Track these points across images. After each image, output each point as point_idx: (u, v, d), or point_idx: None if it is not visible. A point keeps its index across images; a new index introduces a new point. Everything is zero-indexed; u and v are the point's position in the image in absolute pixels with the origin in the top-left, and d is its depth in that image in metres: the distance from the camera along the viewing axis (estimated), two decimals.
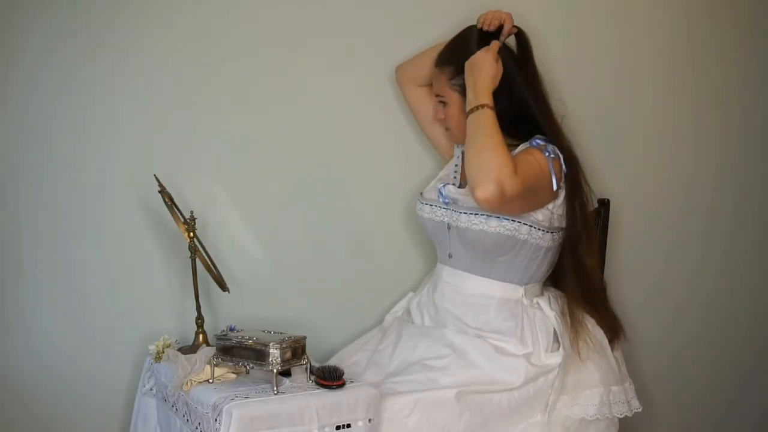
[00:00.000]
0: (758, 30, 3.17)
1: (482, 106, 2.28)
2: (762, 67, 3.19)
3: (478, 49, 2.37)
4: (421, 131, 2.69)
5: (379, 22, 2.67)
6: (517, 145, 2.41)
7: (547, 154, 2.33)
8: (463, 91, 2.39)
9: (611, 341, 2.49)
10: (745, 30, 3.15)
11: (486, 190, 2.19)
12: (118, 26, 2.41)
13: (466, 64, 2.34)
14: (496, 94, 2.34)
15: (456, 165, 2.54)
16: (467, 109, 2.31)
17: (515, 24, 2.44)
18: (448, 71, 2.43)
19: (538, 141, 2.36)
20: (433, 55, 2.51)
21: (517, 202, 2.26)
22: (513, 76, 2.39)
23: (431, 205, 2.49)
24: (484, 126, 2.27)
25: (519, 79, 2.40)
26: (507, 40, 2.44)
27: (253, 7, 2.54)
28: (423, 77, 2.58)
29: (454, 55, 2.43)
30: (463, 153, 2.58)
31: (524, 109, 2.40)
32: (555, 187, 2.33)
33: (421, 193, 2.56)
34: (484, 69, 2.31)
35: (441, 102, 2.47)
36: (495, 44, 2.36)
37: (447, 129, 2.52)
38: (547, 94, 2.44)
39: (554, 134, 2.39)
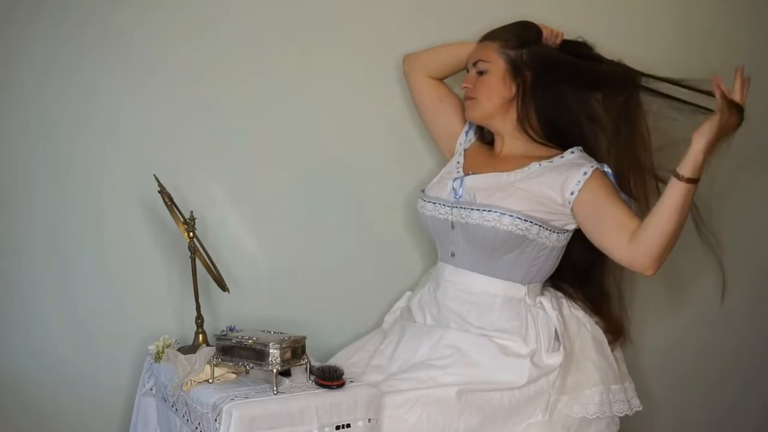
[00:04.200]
0: (758, 29, 3.17)
1: (698, 180, 2.22)
2: (760, 67, 3.18)
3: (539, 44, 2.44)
4: (423, 128, 2.69)
5: (380, 20, 2.67)
6: (554, 151, 2.44)
7: (611, 178, 2.37)
8: (510, 60, 2.42)
9: (612, 342, 2.49)
10: (745, 31, 3.15)
11: (655, 267, 2.27)
12: (116, 26, 2.41)
13: (719, 126, 2.17)
14: (539, 107, 2.41)
15: (458, 162, 2.54)
16: (686, 172, 2.19)
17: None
18: (500, 42, 2.43)
19: (605, 168, 2.37)
20: (455, 49, 2.54)
21: None
22: (560, 89, 2.43)
23: (434, 203, 2.48)
24: (689, 201, 2.23)
25: (567, 90, 2.45)
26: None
27: (254, 5, 2.54)
28: (435, 69, 2.58)
29: (514, 33, 2.44)
30: (465, 150, 2.58)
31: (563, 122, 2.44)
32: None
33: (423, 191, 2.55)
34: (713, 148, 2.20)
35: (478, 72, 2.46)
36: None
37: (469, 99, 2.48)
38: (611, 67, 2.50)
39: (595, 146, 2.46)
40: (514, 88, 2.43)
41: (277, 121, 2.59)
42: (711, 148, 2.18)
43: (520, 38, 2.44)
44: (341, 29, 2.63)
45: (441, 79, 2.61)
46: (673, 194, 2.20)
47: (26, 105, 2.36)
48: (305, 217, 2.65)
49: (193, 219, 2.36)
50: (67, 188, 2.41)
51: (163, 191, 2.34)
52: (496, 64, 2.43)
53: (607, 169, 2.37)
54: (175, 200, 2.35)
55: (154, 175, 2.35)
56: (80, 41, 2.39)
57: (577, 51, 2.51)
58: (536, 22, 2.49)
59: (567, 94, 2.44)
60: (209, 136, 2.53)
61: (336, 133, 2.66)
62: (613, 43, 2.94)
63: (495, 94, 2.44)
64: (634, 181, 2.38)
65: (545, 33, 2.47)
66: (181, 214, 2.36)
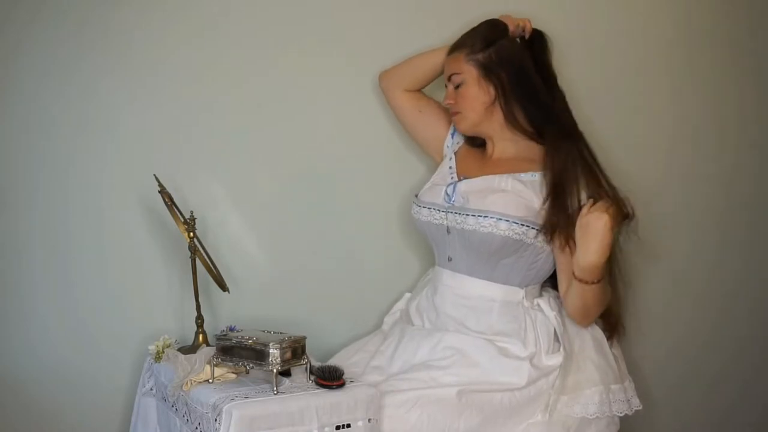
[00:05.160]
0: (758, 29, 3.17)
1: (599, 281, 2.28)
2: (760, 65, 3.19)
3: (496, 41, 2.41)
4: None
5: (380, 20, 2.67)
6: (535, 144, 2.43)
7: None
8: (479, 64, 2.40)
9: (609, 338, 2.49)
10: (745, 30, 3.15)
11: (584, 325, 2.42)
12: (116, 26, 2.41)
13: (581, 223, 2.23)
14: (522, 101, 2.40)
15: (450, 167, 2.53)
16: (578, 273, 2.27)
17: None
18: (465, 50, 2.42)
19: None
20: (428, 59, 2.53)
21: None
22: (534, 79, 2.41)
23: (429, 209, 2.47)
24: (600, 297, 2.33)
25: (539, 81, 2.42)
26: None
27: (254, 5, 2.54)
28: (412, 82, 2.58)
29: (479, 36, 2.43)
30: (455, 153, 2.57)
31: (546, 111, 2.42)
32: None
33: (417, 196, 2.54)
34: (604, 241, 2.21)
35: (455, 86, 2.45)
36: (608, 213, 2.22)
37: (456, 114, 2.48)
38: (564, 95, 2.47)
39: (572, 133, 2.43)
40: (492, 90, 2.42)
41: (277, 121, 2.59)
42: (599, 252, 2.22)
43: (486, 39, 2.42)
44: (341, 29, 2.63)
45: (419, 90, 2.61)
46: (574, 288, 2.32)
47: (26, 105, 2.36)
48: (305, 217, 2.65)
49: (193, 219, 2.36)
50: (67, 188, 2.41)
51: (163, 191, 2.34)
52: (469, 73, 2.42)
53: None
54: (175, 200, 2.35)
55: (154, 175, 2.35)
56: (80, 41, 2.39)
57: (541, 46, 2.49)
58: (501, 15, 2.47)
59: (538, 97, 2.42)
60: (209, 136, 2.53)
61: (336, 133, 2.66)
62: (613, 43, 2.96)
63: (476, 102, 2.43)
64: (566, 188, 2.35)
65: (511, 28, 2.45)
66: (181, 214, 2.36)
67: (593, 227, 2.21)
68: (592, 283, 2.27)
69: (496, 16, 2.50)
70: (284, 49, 2.58)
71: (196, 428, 2.13)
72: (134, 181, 2.44)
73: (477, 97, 2.43)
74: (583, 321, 2.40)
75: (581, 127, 2.50)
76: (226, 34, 2.52)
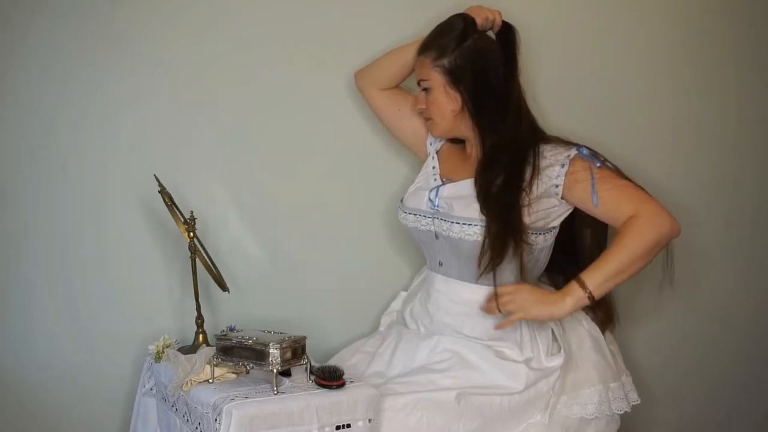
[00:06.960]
0: (758, 29, 3.17)
1: (587, 292, 2.26)
2: (761, 65, 3.19)
3: (463, 36, 2.36)
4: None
5: (380, 20, 2.66)
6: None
7: (590, 159, 2.34)
8: (445, 71, 2.37)
9: (604, 331, 2.48)
10: (747, 27, 3.15)
11: (676, 225, 2.31)
12: (116, 26, 2.41)
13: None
14: (482, 93, 2.35)
15: (433, 167, 2.52)
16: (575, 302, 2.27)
17: (506, 20, 2.44)
18: (432, 55, 2.38)
19: (583, 151, 2.35)
20: (400, 55, 2.50)
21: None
22: (498, 72, 2.37)
23: (415, 215, 2.45)
24: (632, 263, 2.27)
25: (501, 74, 2.38)
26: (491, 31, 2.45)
27: (254, 5, 2.54)
28: (386, 80, 2.55)
29: (447, 37, 2.38)
30: (438, 152, 2.56)
31: (505, 104, 2.38)
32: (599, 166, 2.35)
33: (402, 200, 2.52)
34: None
35: (424, 89, 2.42)
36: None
37: (428, 120, 2.47)
38: (524, 91, 2.42)
39: (531, 129, 2.40)
40: (458, 97, 2.38)
41: (277, 121, 2.59)
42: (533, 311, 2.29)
43: (454, 40, 2.37)
44: (341, 29, 2.63)
45: (396, 86, 2.58)
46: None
47: (26, 105, 2.36)
48: (305, 217, 2.64)
49: (193, 219, 2.36)
50: (67, 188, 2.41)
51: (163, 191, 2.34)
52: (435, 80, 2.38)
53: (584, 151, 2.34)
54: (175, 200, 2.35)
55: (155, 175, 2.35)
56: (80, 41, 2.39)
57: (508, 41, 2.42)
58: (470, 7, 2.42)
59: (496, 90, 2.38)
60: (209, 136, 2.53)
61: (336, 133, 2.66)
62: (613, 43, 2.96)
63: (444, 109, 2.40)
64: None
65: (479, 21, 2.40)
66: (181, 214, 2.36)
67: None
68: (593, 299, 2.27)
69: (508, 18, 2.46)
70: (284, 49, 2.58)
71: (196, 428, 2.13)
72: (134, 181, 2.44)
73: (444, 104, 2.39)
74: (652, 254, 2.33)
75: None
76: (226, 34, 2.52)
